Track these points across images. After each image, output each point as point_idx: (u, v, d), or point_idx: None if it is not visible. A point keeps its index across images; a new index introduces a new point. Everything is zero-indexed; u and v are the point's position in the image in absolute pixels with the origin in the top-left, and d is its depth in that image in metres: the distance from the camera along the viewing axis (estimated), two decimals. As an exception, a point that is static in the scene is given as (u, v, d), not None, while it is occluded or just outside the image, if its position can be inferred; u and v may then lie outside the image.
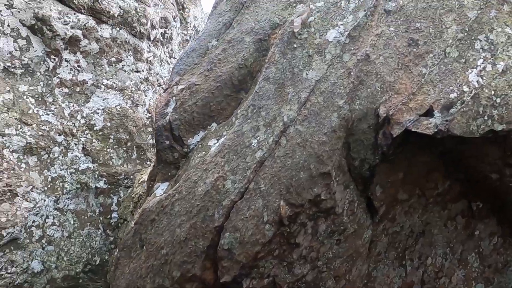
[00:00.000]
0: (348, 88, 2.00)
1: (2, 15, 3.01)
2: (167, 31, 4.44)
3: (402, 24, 2.13)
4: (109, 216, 3.55)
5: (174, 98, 2.18)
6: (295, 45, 2.11)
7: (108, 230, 3.54)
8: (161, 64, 4.44)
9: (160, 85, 4.38)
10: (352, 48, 2.09)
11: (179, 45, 4.68)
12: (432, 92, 1.96)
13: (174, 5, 4.52)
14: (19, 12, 3.07)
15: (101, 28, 3.66)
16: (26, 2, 3.13)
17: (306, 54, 2.10)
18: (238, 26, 2.29)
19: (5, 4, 3.03)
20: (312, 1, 2.23)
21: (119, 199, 3.65)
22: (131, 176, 3.83)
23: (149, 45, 4.22)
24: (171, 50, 4.58)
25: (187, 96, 2.16)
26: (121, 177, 3.75)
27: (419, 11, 2.14)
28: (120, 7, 3.75)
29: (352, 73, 2.03)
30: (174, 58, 4.61)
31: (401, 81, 2.02)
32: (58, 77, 3.41)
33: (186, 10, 4.90)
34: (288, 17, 2.22)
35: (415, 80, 2.00)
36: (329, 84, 2.02)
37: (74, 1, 3.41)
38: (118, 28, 3.80)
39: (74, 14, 3.40)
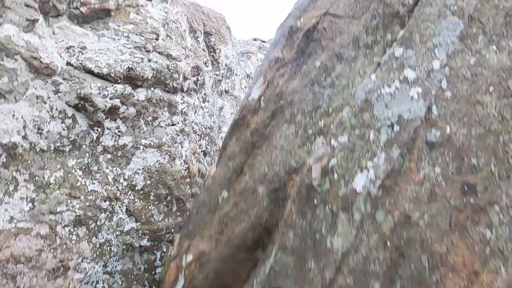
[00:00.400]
0: (385, 265, 1.54)
1: (50, 100, 3.21)
2: (199, 78, 4.40)
3: (451, 162, 1.58)
4: (153, 272, 3.70)
5: (182, 272, 1.96)
6: (315, 201, 1.73)
7: (153, 286, 3.68)
8: (196, 111, 4.47)
9: (196, 132, 4.45)
10: (387, 203, 1.60)
11: (212, 87, 4.62)
12: (503, 269, 1.40)
13: (205, 50, 4.39)
14: (64, 95, 3.26)
15: (136, 93, 3.74)
16: (70, 85, 3.28)
17: (329, 212, 1.70)
18: (250, 172, 1.99)
19: (53, 90, 3.23)
20: (333, 135, 1.83)
21: (162, 254, 3.87)
22: (172, 230, 4.06)
23: (183, 96, 4.24)
24: (204, 94, 4.56)
25: (196, 271, 1.92)
26: (162, 232, 3.93)
27: (474, 141, 1.56)
28: (153, 69, 3.78)
29: (388, 242, 1.56)
30: (208, 101, 4.59)
31: (456, 251, 1.47)
32: (102, 145, 3.58)
33: (217, 51, 4.77)
34: (305, 157, 1.85)
35: (476, 250, 1.45)
36: (360, 257, 1.56)
37: (111, 75, 3.51)
38: (152, 89, 3.86)
39: (112, 85, 3.51)
